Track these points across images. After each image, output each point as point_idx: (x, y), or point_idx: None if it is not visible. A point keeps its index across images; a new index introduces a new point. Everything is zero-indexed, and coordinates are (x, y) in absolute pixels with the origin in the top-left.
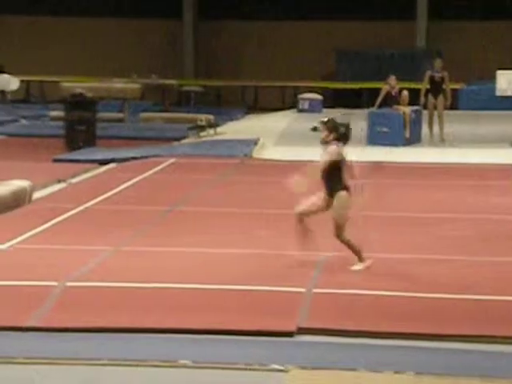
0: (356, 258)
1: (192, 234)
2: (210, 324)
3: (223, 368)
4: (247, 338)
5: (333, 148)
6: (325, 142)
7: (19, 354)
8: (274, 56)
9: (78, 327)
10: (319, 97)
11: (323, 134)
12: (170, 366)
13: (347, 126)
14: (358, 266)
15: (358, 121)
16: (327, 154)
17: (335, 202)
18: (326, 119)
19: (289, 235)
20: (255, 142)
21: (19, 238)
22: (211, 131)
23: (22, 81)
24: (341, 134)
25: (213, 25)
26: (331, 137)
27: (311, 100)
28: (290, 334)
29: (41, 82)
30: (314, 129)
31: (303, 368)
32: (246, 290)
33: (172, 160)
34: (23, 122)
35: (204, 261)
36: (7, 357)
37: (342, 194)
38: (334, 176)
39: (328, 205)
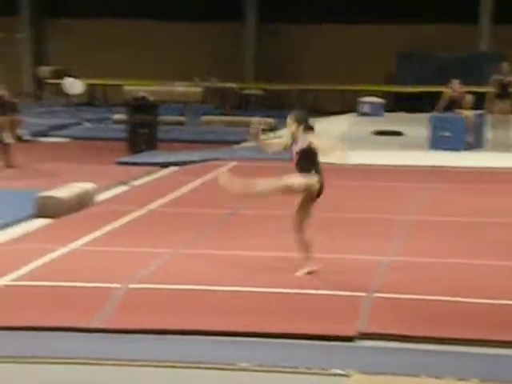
0: None
1: (252, 238)
2: (271, 327)
3: (284, 372)
4: (307, 342)
5: (313, 135)
6: (294, 135)
7: (83, 355)
8: (334, 59)
9: (140, 329)
10: (380, 100)
11: (292, 127)
12: (230, 369)
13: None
14: None
15: (419, 125)
16: (315, 137)
17: (306, 176)
18: (293, 113)
19: (350, 238)
20: None
21: (82, 240)
22: (271, 135)
23: (85, 84)
24: (309, 125)
25: (274, 28)
26: (300, 129)
27: (372, 103)
28: (350, 339)
29: (104, 85)
30: (376, 133)
31: (364, 373)
32: (306, 294)
33: (233, 163)
34: (87, 124)
35: (264, 264)
36: (71, 357)
37: (315, 177)
38: (310, 163)
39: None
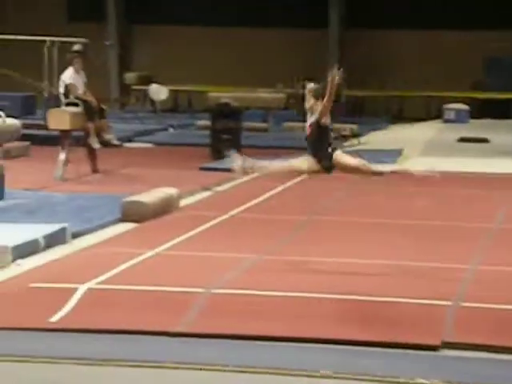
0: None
1: (333, 244)
2: (353, 335)
3: (367, 380)
4: (391, 351)
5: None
6: (312, 110)
7: (168, 359)
8: (419, 65)
9: (223, 334)
10: (466, 107)
11: (310, 102)
12: (311, 376)
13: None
14: None
15: (506, 132)
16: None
17: (337, 159)
18: (312, 87)
19: (432, 246)
20: (399, 153)
21: (167, 245)
22: (355, 141)
23: (170, 90)
24: None
25: (358, 34)
26: (319, 103)
27: (457, 110)
28: (434, 348)
29: (188, 91)
30: (462, 140)
31: (448, 383)
32: (389, 302)
33: None
34: (171, 130)
35: (346, 271)
36: (156, 361)
37: (337, 152)
38: (320, 140)
39: (318, 171)
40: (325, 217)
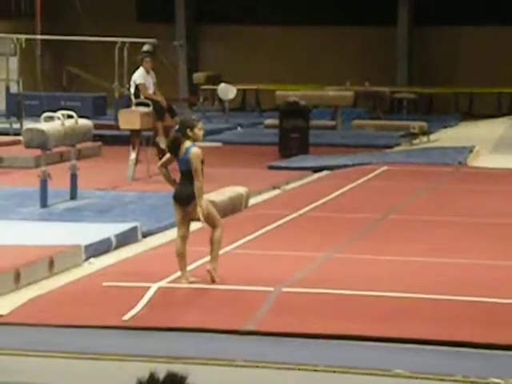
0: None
1: (404, 243)
2: (424, 333)
3: (438, 379)
4: (465, 350)
5: (197, 151)
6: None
7: (238, 357)
8: (489, 61)
9: (292, 332)
10: None
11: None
12: (384, 375)
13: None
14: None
15: None
16: (196, 158)
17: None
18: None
19: (504, 245)
20: (470, 150)
21: (236, 243)
22: (424, 139)
23: (238, 90)
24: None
25: (427, 31)
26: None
27: None
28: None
29: (257, 90)
30: None
31: None
32: (460, 301)
33: (384, 167)
34: (239, 129)
35: (417, 269)
36: (227, 359)
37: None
38: (190, 182)
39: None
40: (396, 215)
